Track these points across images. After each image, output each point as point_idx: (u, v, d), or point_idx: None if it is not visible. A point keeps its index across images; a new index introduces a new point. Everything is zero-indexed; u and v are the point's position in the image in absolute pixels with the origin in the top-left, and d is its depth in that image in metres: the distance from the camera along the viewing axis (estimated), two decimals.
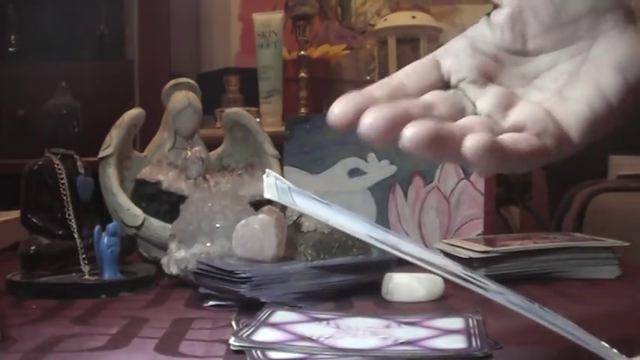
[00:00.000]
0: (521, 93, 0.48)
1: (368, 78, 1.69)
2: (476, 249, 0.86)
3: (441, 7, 1.74)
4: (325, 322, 0.64)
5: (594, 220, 1.62)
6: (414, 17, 1.33)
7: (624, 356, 0.47)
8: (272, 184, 0.50)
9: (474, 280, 0.49)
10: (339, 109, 0.41)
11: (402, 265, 0.81)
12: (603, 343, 0.48)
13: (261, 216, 0.79)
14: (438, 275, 0.50)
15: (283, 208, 0.90)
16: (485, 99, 0.46)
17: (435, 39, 1.36)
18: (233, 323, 0.64)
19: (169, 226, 0.89)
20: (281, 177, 0.50)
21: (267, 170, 0.51)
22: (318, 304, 0.74)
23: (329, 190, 1.09)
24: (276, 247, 0.77)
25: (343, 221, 0.50)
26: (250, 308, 0.70)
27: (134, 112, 1.01)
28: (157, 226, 0.94)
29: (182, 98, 1.03)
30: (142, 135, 1.10)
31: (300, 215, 0.86)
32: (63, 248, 0.87)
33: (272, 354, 0.54)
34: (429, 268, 0.49)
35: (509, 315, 0.66)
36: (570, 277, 0.87)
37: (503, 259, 0.85)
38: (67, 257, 0.87)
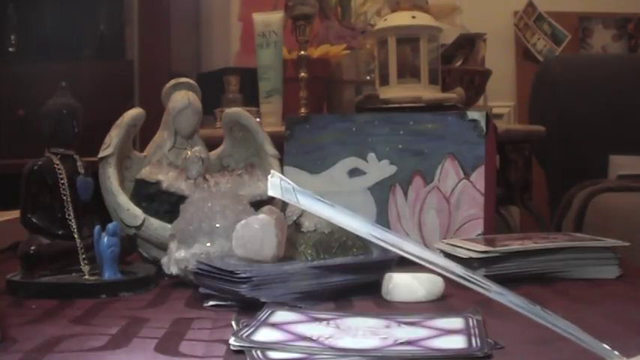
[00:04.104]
0: None
1: (368, 78, 1.69)
2: (476, 249, 0.86)
3: (441, 7, 1.74)
4: (325, 322, 0.64)
5: (594, 220, 1.62)
6: (414, 17, 1.32)
7: (624, 357, 0.47)
8: (276, 183, 0.50)
9: (473, 280, 0.49)
10: None
11: (402, 265, 0.81)
12: (604, 344, 0.48)
13: (261, 216, 0.78)
14: (437, 272, 0.50)
15: (283, 209, 0.90)
16: None
17: (435, 39, 1.36)
18: (233, 323, 0.64)
19: (169, 226, 0.89)
20: (285, 178, 0.50)
21: (272, 171, 0.51)
22: (318, 304, 0.74)
23: (329, 190, 1.08)
24: (276, 247, 0.77)
25: (346, 220, 0.50)
26: (250, 308, 0.70)
27: (134, 112, 1.01)
28: (157, 226, 0.94)
29: (182, 98, 1.03)
30: (142, 135, 1.10)
31: (300, 215, 0.86)
32: (63, 248, 0.87)
33: (272, 354, 0.54)
34: (429, 266, 0.49)
35: (509, 315, 0.66)
36: (570, 277, 0.87)
37: (503, 259, 0.85)
38: (67, 257, 0.87)
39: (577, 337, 0.49)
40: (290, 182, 0.50)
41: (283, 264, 0.77)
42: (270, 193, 0.50)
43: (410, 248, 0.49)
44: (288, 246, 0.81)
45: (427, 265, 0.49)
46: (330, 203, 0.50)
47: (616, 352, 0.48)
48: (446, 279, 0.78)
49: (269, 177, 0.50)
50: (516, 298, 0.50)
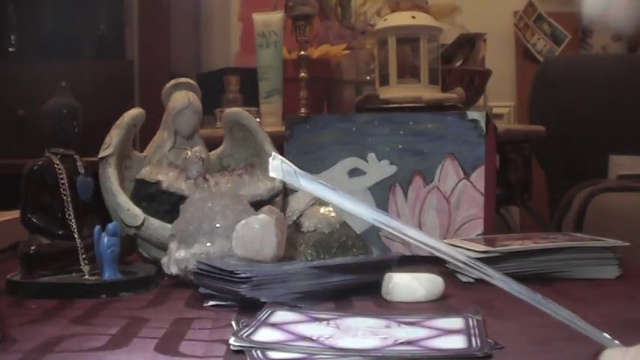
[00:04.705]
0: None
1: (368, 78, 1.69)
2: (476, 249, 0.86)
3: (441, 7, 1.74)
4: (325, 322, 0.64)
5: (594, 220, 1.62)
6: (414, 17, 1.32)
7: (624, 347, 0.47)
8: (278, 166, 0.50)
9: (475, 266, 0.49)
10: None
11: (402, 265, 0.81)
12: (604, 334, 0.48)
13: (261, 216, 0.79)
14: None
15: (283, 209, 0.90)
16: None
17: (435, 39, 1.36)
18: (233, 323, 0.64)
19: (169, 226, 0.89)
20: (287, 160, 0.50)
21: (273, 153, 0.51)
22: (318, 304, 0.74)
23: None
24: (276, 247, 0.77)
25: (348, 204, 0.50)
26: (250, 308, 0.70)
27: (134, 112, 1.01)
28: (157, 226, 0.94)
29: (182, 98, 1.03)
30: (142, 135, 1.10)
31: (300, 215, 0.86)
32: (63, 248, 0.87)
33: (272, 354, 0.54)
34: (432, 252, 0.49)
35: (509, 315, 0.66)
36: (570, 277, 0.87)
37: (503, 259, 0.85)
38: (67, 257, 0.87)
39: (578, 325, 0.49)
40: (291, 165, 0.50)
41: (283, 264, 0.77)
42: (272, 174, 0.49)
43: (413, 233, 0.49)
44: (288, 246, 0.81)
45: (430, 250, 0.49)
46: (332, 187, 0.50)
47: (616, 342, 0.48)
48: (446, 279, 0.79)
49: (270, 159, 0.50)
50: (518, 286, 0.50)
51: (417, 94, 1.29)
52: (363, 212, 0.50)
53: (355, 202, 0.50)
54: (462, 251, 0.87)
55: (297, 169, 0.50)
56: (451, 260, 0.49)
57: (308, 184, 0.51)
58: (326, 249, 0.83)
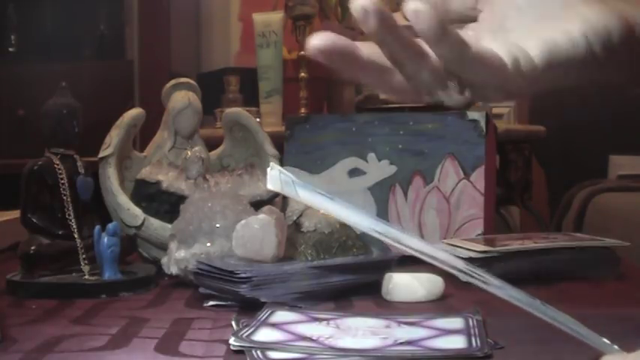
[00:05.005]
0: None
1: None
2: (476, 249, 0.86)
3: None
4: (325, 322, 0.64)
5: (594, 220, 1.62)
6: None
7: (624, 352, 0.47)
8: (276, 176, 0.50)
9: (474, 274, 0.49)
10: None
11: (402, 265, 0.81)
12: (604, 339, 0.48)
13: (261, 216, 0.78)
14: (440, 268, 0.50)
15: (283, 209, 0.90)
16: None
17: None
18: (233, 323, 0.64)
19: (169, 226, 0.89)
20: (285, 170, 0.50)
21: (271, 163, 0.51)
22: (318, 304, 0.74)
23: (329, 190, 1.08)
24: (276, 247, 0.77)
25: (346, 214, 0.50)
26: (250, 308, 0.70)
27: (134, 112, 1.01)
28: (157, 226, 0.94)
29: (182, 98, 1.03)
30: (142, 135, 1.10)
31: (300, 215, 0.86)
32: (63, 248, 0.87)
33: (272, 354, 0.54)
34: (430, 261, 0.49)
35: (509, 315, 0.66)
36: (570, 277, 0.87)
37: (503, 259, 0.85)
38: (67, 257, 0.87)
39: (577, 332, 0.49)
40: (290, 175, 0.50)
41: (283, 264, 0.77)
42: (269, 186, 0.50)
43: (412, 243, 0.49)
44: (288, 246, 0.81)
45: (429, 260, 0.49)
46: (330, 196, 0.50)
47: (615, 347, 0.48)
48: (446, 279, 0.79)
49: (268, 169, 0.50)
50: (516, 292, 0.50)
51: None
52: (362, 222, 0.50)
53: (354, 211, 0.50)
54: (463, 252, 0.87)
55: (295, 178, 0.50)
56: (456, 273, 0.49)
57: (306, 194, 0.51)
58: (326, 249, 0.83)
